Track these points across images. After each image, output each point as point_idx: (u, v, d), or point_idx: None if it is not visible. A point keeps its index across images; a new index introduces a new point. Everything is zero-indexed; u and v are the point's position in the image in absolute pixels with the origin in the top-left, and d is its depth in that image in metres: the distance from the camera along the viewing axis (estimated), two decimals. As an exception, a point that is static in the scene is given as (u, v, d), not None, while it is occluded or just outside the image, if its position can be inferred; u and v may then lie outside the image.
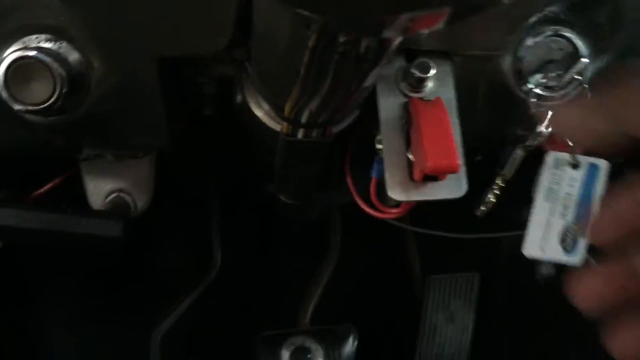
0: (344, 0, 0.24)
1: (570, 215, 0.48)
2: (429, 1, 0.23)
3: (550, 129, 0.50)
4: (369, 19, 0.26)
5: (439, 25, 0.26)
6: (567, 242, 0.48)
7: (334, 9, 0.25)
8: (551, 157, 0.50)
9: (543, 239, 0.49)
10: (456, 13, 0.25)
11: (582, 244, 0.48)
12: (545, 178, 0.50)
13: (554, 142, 0.51)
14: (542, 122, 0.52)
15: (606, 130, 0.27)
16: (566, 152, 0.49)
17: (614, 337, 0.31)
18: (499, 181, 0.56)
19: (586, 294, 0.31)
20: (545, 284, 0.80)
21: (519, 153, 0.55)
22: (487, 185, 0.60)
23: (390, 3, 0.23)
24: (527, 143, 0.53)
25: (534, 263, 0.92)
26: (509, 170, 0.55)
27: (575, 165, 0.49)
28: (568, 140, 0.46)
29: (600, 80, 0.40)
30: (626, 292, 0.30)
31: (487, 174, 0.59)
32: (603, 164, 0.48)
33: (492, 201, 0.58)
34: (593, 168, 0.48)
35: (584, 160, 0.49)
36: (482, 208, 0.57)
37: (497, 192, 0.55)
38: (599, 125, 0.28)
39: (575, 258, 0.48)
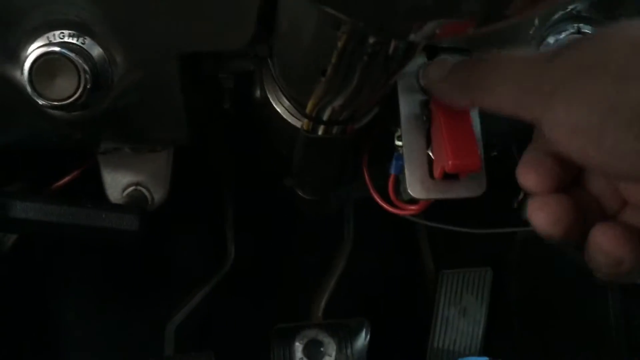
0: (374, 4, 0.24)
1: None
2: (454, 10, 0.23)
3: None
4: (397, 23, 0.26)
5: (467, 31, 0.26)
6: None
7: (364, 12, 0.25)
8: None
9: None
10: (482, 20, 0.25)
11: None
12: None
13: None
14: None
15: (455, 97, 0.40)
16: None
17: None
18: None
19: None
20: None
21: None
22: (503, 180, 0.60)
23: (418, 10, 0.23)
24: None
25: (547, 258, 0.92)
26: None
27: None
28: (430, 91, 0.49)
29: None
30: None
31: (502, 169, 0.59)
32: None
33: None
34: None
35: None
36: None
37: None
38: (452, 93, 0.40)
39: None
